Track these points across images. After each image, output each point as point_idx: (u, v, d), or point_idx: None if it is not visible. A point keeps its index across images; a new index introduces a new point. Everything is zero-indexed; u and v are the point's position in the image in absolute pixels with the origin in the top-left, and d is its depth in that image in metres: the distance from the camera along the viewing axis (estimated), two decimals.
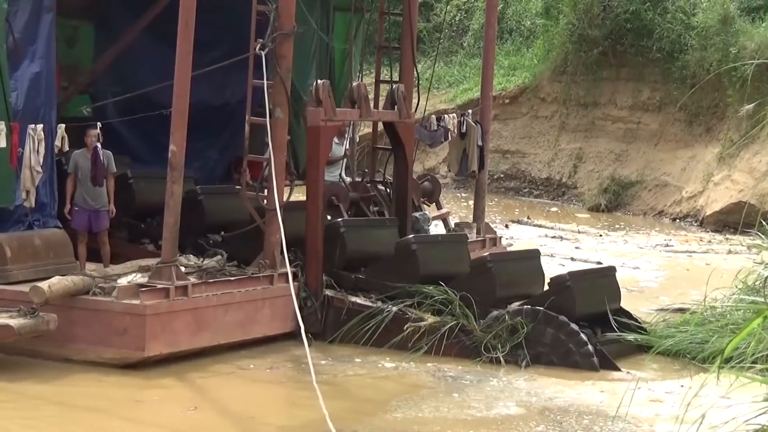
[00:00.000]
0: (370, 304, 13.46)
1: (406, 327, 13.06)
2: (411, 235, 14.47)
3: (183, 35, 12.40)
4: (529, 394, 11.70)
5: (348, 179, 16.80)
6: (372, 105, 15.51)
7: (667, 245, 22.64)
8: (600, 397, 11.64)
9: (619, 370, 12.60)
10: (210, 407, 11.13)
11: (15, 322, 11.48)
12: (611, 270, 14.45)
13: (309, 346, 12.67)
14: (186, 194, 14.29)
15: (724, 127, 26.54)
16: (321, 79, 14.62)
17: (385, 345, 13.12)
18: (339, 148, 16.55)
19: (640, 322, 13.60)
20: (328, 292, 13.66)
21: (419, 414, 10.94)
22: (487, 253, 14.84)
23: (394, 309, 13.26)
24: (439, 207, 17.99)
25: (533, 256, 14.61)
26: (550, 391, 11.81)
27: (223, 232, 14.31)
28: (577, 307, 13.08)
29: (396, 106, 15.30)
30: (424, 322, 13.08)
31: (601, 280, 14.02)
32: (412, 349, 12.96)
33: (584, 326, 13.00)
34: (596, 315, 13.34)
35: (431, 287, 13.34)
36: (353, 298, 13.57)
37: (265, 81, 13.04)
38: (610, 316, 13.31)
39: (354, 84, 14.98)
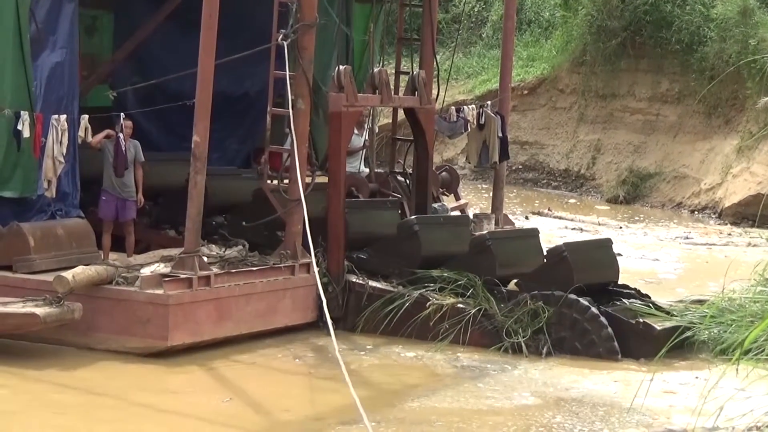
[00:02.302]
0: (391, 288, 13.54)
1: (428, 304, 13.14)
2: (413, 216, 14.56)
3: (207, 27, 12.45)
4: (545, 384, 11.77)
5: (367, 170, 16.86)
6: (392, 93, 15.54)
7: (687, 237, 22.61)
8: (614, 387, 11.70)
9: (630, 322, 12.76)
10: (243, 399, 11.14)
11: (41, 310, 11.57)
12: (608, 242, 14.59)
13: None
14: (188, 176, 14.48)
15: (743, 119, 26.50)
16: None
17: (406, 329, 13.21)
18: (358, 139, 16.59)
19: (641, 292, 13.69)
20: (349, 277, 13.74)
21: (437, 404, 11.01)
22: (485, 232, 14.97)
23: (416, 293, 13.34)
24: (457, 198, 18.03)
25: (532, 234, 14.76)
26: (566, 381, 11.88)
27: (244, 222, 14.39)
28: (575, 278, 13.19)
29: (417, 92, 15.32)
30: (446, 302, 13.15)
31: (598, 252, 14.15)
32: (432, 334, 13.05)
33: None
34: (596, 287, 13.38)
35: (452, 273, 13.42)
36: (374, 283, 13.65)
37: (287, 72, 13.08)
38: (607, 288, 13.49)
39: (375, 70, 15.01)
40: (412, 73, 15.64)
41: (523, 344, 12.74)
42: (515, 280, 13.63)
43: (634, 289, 13.85)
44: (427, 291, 13.35)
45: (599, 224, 23.79)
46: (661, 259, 19.86)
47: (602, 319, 12.72)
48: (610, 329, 12.68)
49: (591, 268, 13.60)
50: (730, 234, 23.11)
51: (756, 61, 24.23)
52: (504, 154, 17.11)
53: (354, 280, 13.73)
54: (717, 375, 7.00)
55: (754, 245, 20.98)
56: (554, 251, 13.64)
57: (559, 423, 10.49)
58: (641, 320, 12.82)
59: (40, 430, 9.96)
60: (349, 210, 14.14)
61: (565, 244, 14.09)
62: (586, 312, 12.75)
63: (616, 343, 12.65)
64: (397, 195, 16.42)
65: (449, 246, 14.07)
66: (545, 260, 13.75)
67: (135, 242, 14.03)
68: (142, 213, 14.51)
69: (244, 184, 14.71)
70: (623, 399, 11.10)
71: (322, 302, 13.21)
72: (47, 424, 10.12)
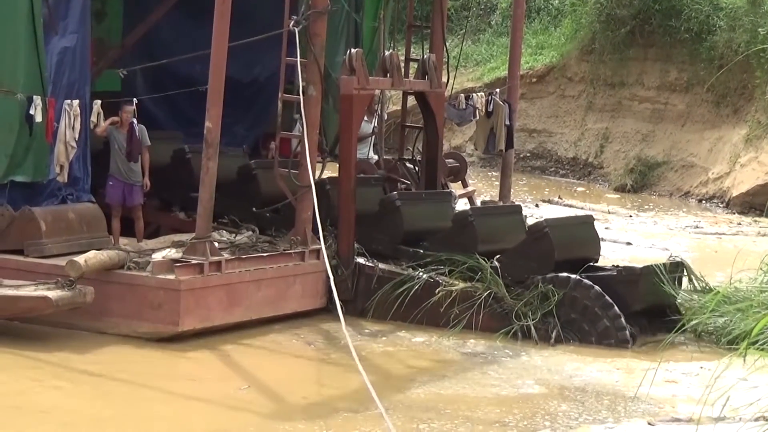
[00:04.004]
0: (401, 271, 13.59)
1: (438, 290, 13.21)
2: (395, 192, 14.63)
3: (220, 13, 12.47)
4: (550, 372, 11.81)
5: (376, 156, 16.90)
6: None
7: (697, 227, 22.62)
8: (616, 375, 11.75)
9: (612, 274, 12.95)
10: (258, 385, 11.15)
11: (53, 294, 11.62)
12: (589, 218, 14.71)
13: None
14: (174, 152, 14.60)
15: (751, 109, 26.48)
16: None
17: (416, 315, 13.26)
18: (367, 126, 16.62)
19: (621, 267, 13.77)
20: (359, 260, 13.81)
21: (444, 391, 11.06)
22: (468, 208, 15.03)
23: (425, 276, 13.40)
24: (465, 185, 18.06)
25: (515, 211, 14.84)
26: (569, 369, 11.93)
27: (257, 209, 14.42)
28: (556, 254, 13.25)
29: (427, 76, 15.35)
30: (456, 287, 13.21)
31: (580, 229, 14.24)
32: (442, 318, 13.10)
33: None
34: (577, 263, 13.41)
35: (462, 256, 13.44)
36: (383, 266, 13.70)
37: (298, 58, 13.11)
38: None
39: (387, 53, 15.04)
40: (423, 57, 15.68)
41: (532, 328, 12.81)
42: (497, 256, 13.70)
43: (614, 266, 13.94)
44: (436, 274, 13.40)
45: (609, 212, 23.80)
46: (670, 249, 19.85)
47: (615, 309, 12.74)
48: (623, 319, 12.71)
49: (572, 245, 13.68)
50: (739, 223, 23.11)
51: (765, 50, 24.22)
52: (510, 143, 17.14)
53: (363, 262, 13.79)
54: (723, 365, 7.04)
55: (763, 235, 21.01)
56: (536, 227, 13.73)
57: (565, 411, 10.53)
58: (620, 266, 13.03)
59: (51, 414, 9.99)
60: (331, 187, 14.18)
61: (546, 220, 14.21)
62: (570, 279, 12.82)
63: (627, 332, 12.71)
64: (405, 181, 16.48)
65: (432, 221, 14.17)
66: (526, 236, 13.81)
67: (144, 224, 14.09)
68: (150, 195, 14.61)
69: (229, 162, 14.72)
70: (626, 388, 11.15)
71: (331, 288, 13.38)
72: (58, 407, 10.18)
